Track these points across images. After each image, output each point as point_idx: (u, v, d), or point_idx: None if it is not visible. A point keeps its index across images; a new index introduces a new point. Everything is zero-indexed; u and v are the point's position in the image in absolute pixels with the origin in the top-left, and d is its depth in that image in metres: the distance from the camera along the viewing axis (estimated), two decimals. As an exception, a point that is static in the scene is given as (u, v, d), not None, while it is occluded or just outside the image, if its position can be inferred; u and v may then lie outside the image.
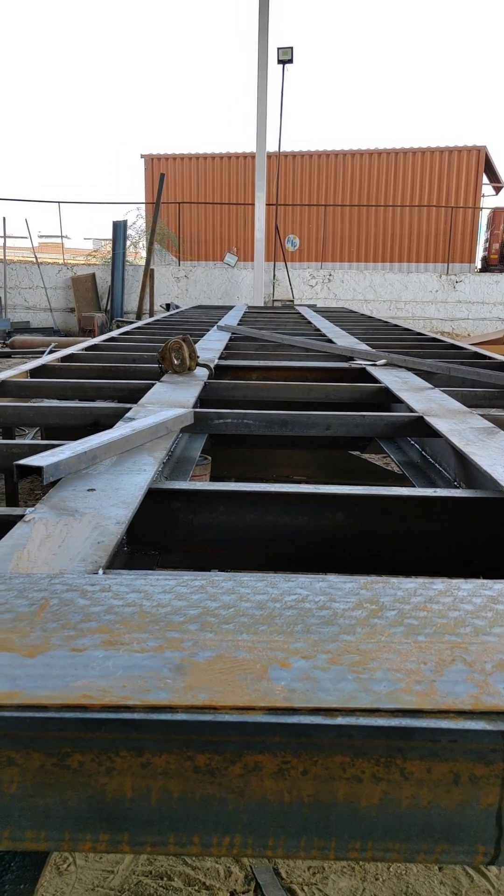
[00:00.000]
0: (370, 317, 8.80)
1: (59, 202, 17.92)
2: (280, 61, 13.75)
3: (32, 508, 1.13)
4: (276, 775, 0.59)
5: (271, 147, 14.28)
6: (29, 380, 2.71)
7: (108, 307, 16.15)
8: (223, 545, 1.46)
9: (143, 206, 19.46)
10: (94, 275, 16.50)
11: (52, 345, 13.12)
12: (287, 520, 1.43)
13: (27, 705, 0.60)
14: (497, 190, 20.87)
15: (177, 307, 15.05)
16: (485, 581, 0.88)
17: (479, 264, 18.21)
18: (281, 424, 2.02)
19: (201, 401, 2.39)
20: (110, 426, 2.10)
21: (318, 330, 5.74)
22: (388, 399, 2.51)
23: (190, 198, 19.07)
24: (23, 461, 1.27)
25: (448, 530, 1.36)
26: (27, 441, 1.64)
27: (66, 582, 0.84)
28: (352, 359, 3.53)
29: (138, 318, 15.30)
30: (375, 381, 2.76)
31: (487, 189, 20.02)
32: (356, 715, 0.59)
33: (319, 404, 2.54)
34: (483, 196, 19.35)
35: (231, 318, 6.94)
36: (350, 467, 4.06)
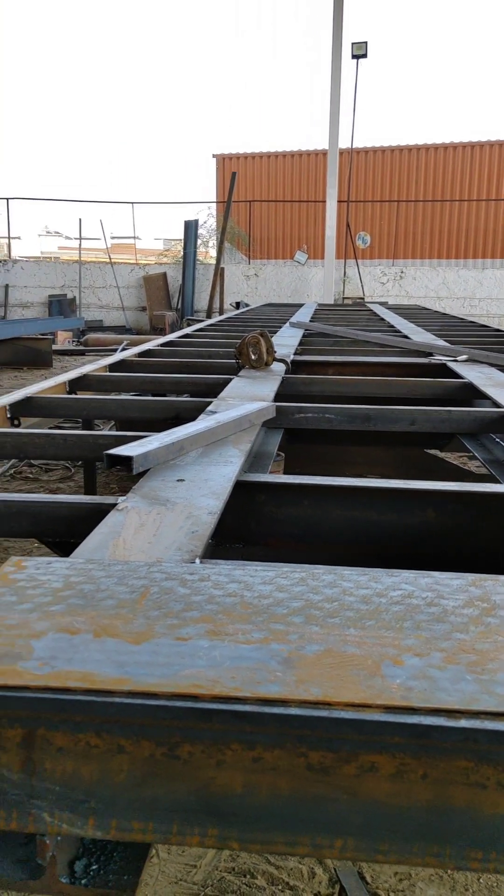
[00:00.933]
0: (444, 313, 8.62)
1: (132, 203, 18.22)
2: (354, 56, 13.60)
3: (124, 497, 1.13)
4: (393, 777, 0.56)
5: (343, 143, 14.13)
6: (109, 374, 2.74)
7: (179, 305, 16.33)
8: (307, 540, 1.43)
9: (214, 205, 19.61)
10: (165, 274, 16.70)
11: (125, 342, 13.36)
12: (374, 516, 1.39)
13: (137, 692, 0.59)
14: None
15: (246, 305, 15.09)
16: None
17: None
18: (363, 419, 1.98)
19: (279, 395, 2.37)
20: (191, 419, 2.11)
21: (393, 326, 5.64)
22: (472, 395, 2.44)
23: (260, 196, 19.08)
24: (113, 451, 1.28)
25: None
26: (113, 432, 1.65)
27: (165, 570, 0.83)
28: (430, 355, 3.45)
29: (208, 316, 15.42)
30: (458, 376, 2.68)
31: None
32: (480, 718, 0.56)
33: (400, 400, 2.48)
34: None
35: (302, 315, 6.90)
36: (426, 466, 3.96)
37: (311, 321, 6.01)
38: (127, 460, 1.26)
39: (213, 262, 17.01)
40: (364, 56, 13.67)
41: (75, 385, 2.55)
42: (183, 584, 0.80)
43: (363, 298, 14.77)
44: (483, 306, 15.03)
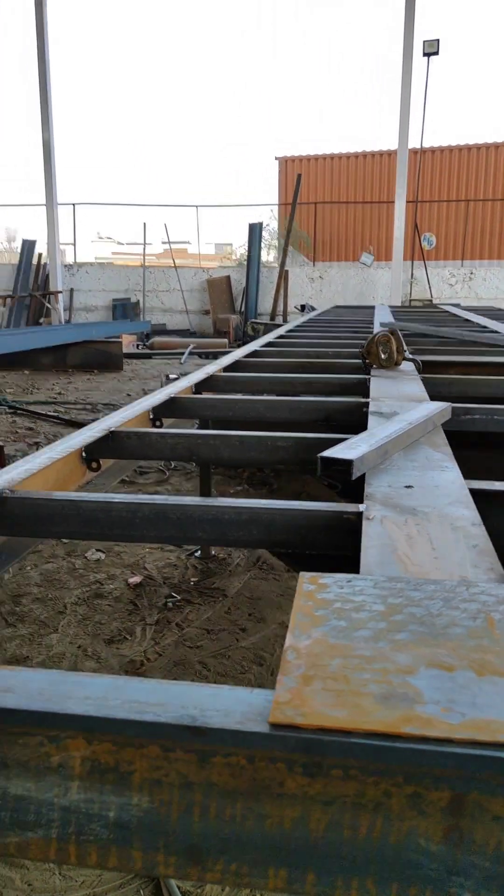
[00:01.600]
0: (529, 314, 8.32)
1: (196, 206, 18.29)
2: (426, 54, 13.35)
3: (363, 505, 1.03)
4: None
5: (412, 142, 13.89)
6: (233, 373, 2.66)
7: (243, 308, 16.30)
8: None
9: (276, 208, 19.53)
10: (228, 277, 16.70)
11: (192, 346, 13.40)
12: None
13: None
14: None
15: (312, 308, 14.97)
16: None
17: None
18: (538, 422, 1.83)
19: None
20: (344, 420, 2.00)
21: (486, 328, 5.44)
22: None
23: (323, 198, 18.94)
24: (328, 453, 1.18)
25: None
26: (293, 434, 1.55)
27: (490, 592, 0.72)
28: None
29: (272, 319, 15.34)
30: None
31: None
32: None
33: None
34: None
35: (383, 317, 6.75)
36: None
37: (395, 321, 5.85)
38: (345, 464, 1.16)
39: (275, 265, 16.93)
40: (436, 53, 13.42)
41: (201, 387, 2.47)
42: (526, 609, 0.68)
43: (431, 300, 14.48)
44: None
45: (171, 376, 2.65)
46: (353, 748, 0.49)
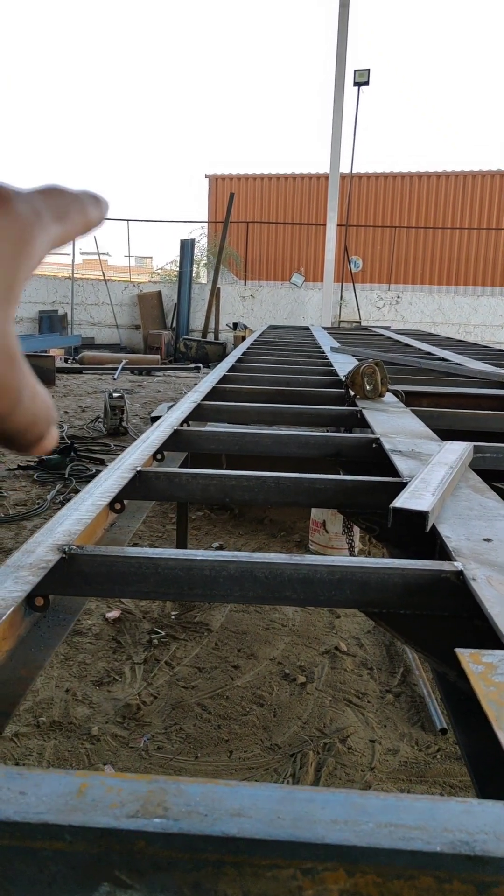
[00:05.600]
0: (462, 341, 8.61)
1: (127, 220, 18.08)
2: (356, 83, 13.73)
3: (459, 564, 1.00)
4: None
5: (343, 167, 14.22)
6: (220, 403, 2.61)
7: (174, 325, 16.20)
8: None
9: (206, 225, 19.57)
10: (160, 292, 16.58)
11: (124, 362, 13.20)
12: None
13: None
14: None
15: (244, 326, 15.04)
16: None
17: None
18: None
19: (422, 431, 2.26)
20: (354, 456, 1.99)
21: (431, 354, 5.59)
22: None
23: (254, 217, 19.12)
24: (400, 504, 1.15)
25: None
26: (333, 476, 1.52)
27: None
28: (515, 386, 3.37)
29: (204, 336, 15.33)
30: None
31: None
32: None
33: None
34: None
35: (322, 339, 6.85)
36: None
37: (341, 345, 5.93)
38: (419, 516, 1.13)
39: (205, 282, 16.94)
40: (366, 83, 13.81)
41: (190, 417, 2.41)
42: None
43: (360, 322, 14.81)
44: (478, 332, 15.17)
45: (154, 414, 2.57)
46: None
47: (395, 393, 2.73)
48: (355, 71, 13.61)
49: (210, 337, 15.40)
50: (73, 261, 16.86)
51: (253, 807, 0.52)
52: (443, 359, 5.00)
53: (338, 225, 14.30)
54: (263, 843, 0.49)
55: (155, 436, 1.91)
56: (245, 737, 2.02)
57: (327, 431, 2.61)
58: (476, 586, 0.92)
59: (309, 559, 1.02)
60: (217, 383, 3.30)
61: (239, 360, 4.53)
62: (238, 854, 0.48)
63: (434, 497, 1.21)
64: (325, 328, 10.07)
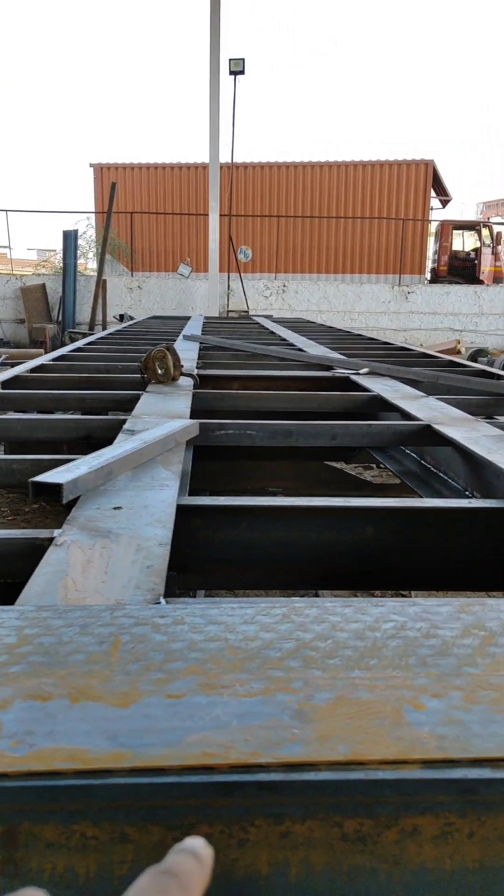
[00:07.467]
0: (331, 327, 8.81)
1: (6, 210, 17.50)
2: (232, 72, 13.74)
3: (60, 530, 1.03)
4: (438, 839, 0.51)
5: (224, 157, 14.25)
6: (5, 391, 2.57)
7: (60, 318, 15.84)
8: (246, 564, 1.37)
9: (93, 215, 19.22)
10: (44, 285, 16.17)
11: (4, 356, 12.80)
12: (314, 535, 1.35)
13: (141, 769, 0.51)
14: (444, 203, 21.32)
15: (131, 318, 14.86)
16: None
17: (428, 276, 18.54)
18: (285, 435, 1.94)
19: (193, 412, 2.30)
20: (104, 438, 2.00)
21: (285, 339, 5.70)
22: (382, 407, 2.47)
23: (142, 207, 18.91)
24: (39, 478, 1.17)
25: (488, 542, 1.31)
26: (30, 456, 1.53)
27: (131, 614, 0.75)
28: (331, 368, 3.48)
29: (91, 328, 15.05)
30: (365, 389, 2.71)
31: (435, 202, 20.44)
32: (525, 764, 0.51)
33: (311, 414, 2.47)
34: (431, 209, 19.74)
35: (193, 329, 6.85)
36: (327, 478, 4.00)
37: (202, 334, 5.97)
38: (55, 488, 1.15)
39: (94, 273, 16.64)
40: (241, 72, 13.85)
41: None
42: (156, 629, 0.71)
43: (247, 311, 14.91)
44: (362, 319, 15.56)
45: None
46: None
47: (191, 376, 2.77)
48: (230, 60, 13.64)
49: (98, 329, 15.13)
50: (-50, 253, 16.19)
51: None
52: (293, 345, 5.11)
53: (221, 215, 14.32)
54: None
55: None
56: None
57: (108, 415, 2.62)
58: (50, 552, 0.95)
59: None
60: (29, 371, 3.25)
61: (77, 350, 4.49)
62: None
63: (87, 469, 1.24)
64: (206, 318, 10.10)
